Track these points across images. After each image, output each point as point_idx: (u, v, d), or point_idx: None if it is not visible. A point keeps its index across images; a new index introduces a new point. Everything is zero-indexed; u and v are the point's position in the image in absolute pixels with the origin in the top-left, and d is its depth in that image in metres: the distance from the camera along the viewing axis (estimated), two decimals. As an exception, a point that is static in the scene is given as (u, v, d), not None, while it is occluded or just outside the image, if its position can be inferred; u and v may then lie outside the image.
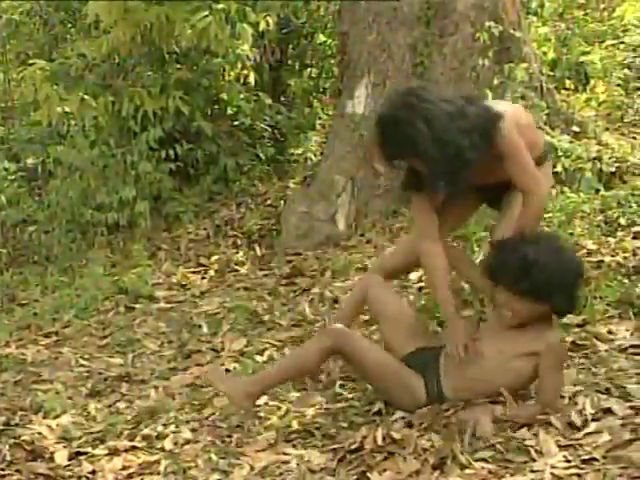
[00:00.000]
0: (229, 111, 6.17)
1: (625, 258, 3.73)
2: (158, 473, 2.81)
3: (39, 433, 3.15)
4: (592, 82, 5.85)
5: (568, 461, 2.39)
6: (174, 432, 3.07)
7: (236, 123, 6.20)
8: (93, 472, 2.88)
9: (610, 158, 4.68)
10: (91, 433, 3.17)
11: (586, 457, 2.39)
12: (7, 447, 3.01)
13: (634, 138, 5.20)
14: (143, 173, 5.53)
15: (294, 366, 3.01)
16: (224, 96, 6.07)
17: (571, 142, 4.67)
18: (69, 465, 2.94)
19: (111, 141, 5.66)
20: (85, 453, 3.00)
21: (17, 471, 2.87)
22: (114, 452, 2.98)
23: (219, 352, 3.88)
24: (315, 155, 6.22)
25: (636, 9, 6.59)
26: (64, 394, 3.59)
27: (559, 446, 2.47)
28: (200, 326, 4.22)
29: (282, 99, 6.73)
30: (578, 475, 2.32)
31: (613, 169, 4.62)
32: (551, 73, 5.94)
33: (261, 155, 6.18)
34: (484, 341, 2.82)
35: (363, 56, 5.23)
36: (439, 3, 5.09)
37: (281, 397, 3.20)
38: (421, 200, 2.99)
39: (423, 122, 2.70)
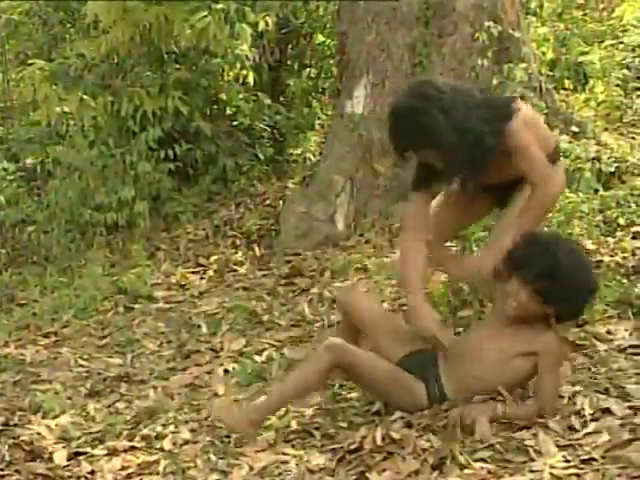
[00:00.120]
0: (228, 111, 6.17)
1: (624, 258, 3.73)
2: (157, 473, 2.81)
3: (38, 433, 3.15)
4: (591, 82, 5.85)
5: (567, 461, 2.39)
6: (173, 432, 3.07)
7: (235, 123, 6.20)
8: (92, 472, 2.88)
9: (609, 158, 4.68)
10: (90, 433, 3.17)
11: (585, 457, 2.39)
12: (6, 447, 3.01)
13: (633, 138, 5.20)
14: (142, 173, 5.53)
15: (296, 389, 2.93)
16: (223, 96, 6.07)
17: (570, 142, 4.66)
18: (68, 465, 2.93)
19: (110, 141, 5.65)
20: (84, 453, 3.00)
21: (16, 471, 2.87)
22: (113, 452, 2.98)
23: (218, 352, 3.88)
24: (314, 155, 6.22)
25: (635, 9, 6.58)
26: (63, 394, 3.59)
27: (558, 446, 2.47)
28: (199, 326, 4.22)
29: (281, 99, 6.73)
30: (577, 475, 2.32)
31: (612, 169, 4.62)
32: (550, 73, 5.95)
33: (260, 155, 6.18)
34: (483, 340, 2.82)
35: (362, 56, 5.23)
36: (438, 3, 5.09)
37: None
38: (420, 198, 2.99)
39: (440, 112, 2.68)
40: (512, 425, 2.64)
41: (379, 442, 2.65)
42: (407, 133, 2.77)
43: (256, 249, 5.14)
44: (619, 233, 4.03)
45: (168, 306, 4.58)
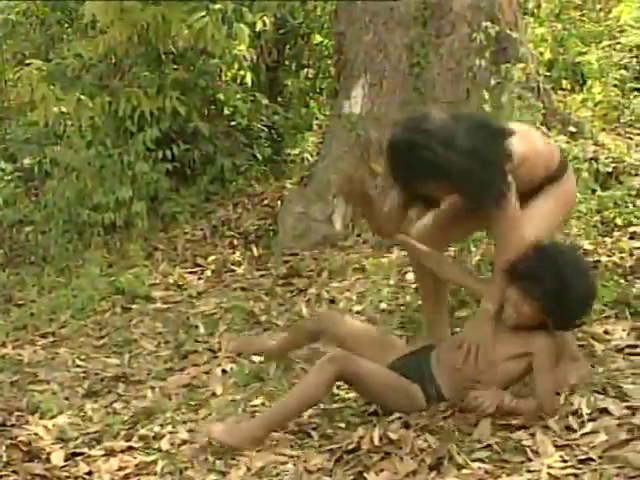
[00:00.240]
0: (226, 111, 6.17)
1: (622, 258, 3.74)
2: (155, 474, 2.81)
3: (35, 434, 3.14)
4: (589, 82, 5.86)
5: (565, 461, 2.39)
6: (171, 432, 3.07)
7: (233, 123, 6.20)
8: (89, 473, 2.87)
9: (607, 158, 4.68)
10: (88, 434, 3.17)
11: (583, 457, 2.39)
12: (3, 448, 3.00)
13: (630, 138, 5.20)
14: (140, 173, 5.52)
15: (300, 403, 2.88)
16: (221, 96, 6.06)
17: (567, 142, 4.66)
18: (65, 466, 2.93)
19: (108, 141, 5.64)
20: (82, 454, 3.00)
21: (13, 472, 2.86)
22: (111, 453, 2.98)
23: (216, 352, 3.88)
24: (312, 155, 6.22)
25: (632, 10, 6.58)
26: (61, 394, 3.58)
27: (556, 446, 2.47)
28: (197, 326, 4.22)
29: (279, 99, 6.73)
30: (575, 475, 2.32)
31: (609, 169, 4.62)
32: (548, 73, 5.94)
33: (258, 155, 6.18)
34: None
35: (360, 56, 5.23)
36: (436, 3, 5.09)
37: (278, 398, 3.20)
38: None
39: (440, 144, 2.65)
40: (510, 425, 2.64)
41: (377, 442, 2.65)
42: (409, 168, 2.74)
43: (254, 249, 5.14)
44: (616, 233, 4.04)
45: (166, 306, 4.57)
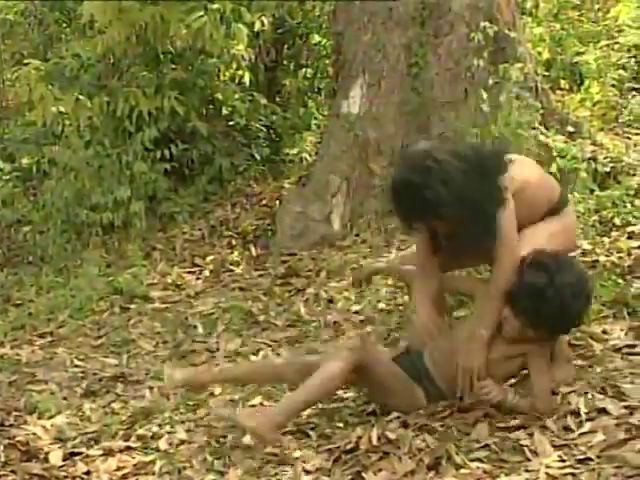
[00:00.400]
0: (224, 111, 6.17)
1: (620, 258, 3.73)
2: (153, 473, 2.81)
3: (34, 434, 3.14)
4: (587, 82, 5.86)
5: (563, 461, 2.39)
6: (169, 432, 3.07)
7: (231, 123, 6.20)
8: (88, 473, 2.87)
9: (605, 158, 4.69)
10: (86, 433, 3.17)
11: (581, 457, 2.39)
12: (2, 448, 3.00)
13: (628, 138, 5.21)
14: (138, 173, 5.52)
15: (319, 389, 2.85)
16: (219, 96, 6.06)
17: (566, 142, 4.67)
18: (64, 466, 2.93)
19: (106, 141, 5.65)
20: (80, 453, 3.00)
21: (12, 472, 2.86)
22: (109, 452, 2.98)
23: (214, 352, 3.88)
24: (310, 155, 6.22)
25: (630, 10, 6.59)
26: (59, 394, 3.58)
27: (554, 446, 2.48)
28: (195, 326, 4.22)
29: (277, 99, 6.73)
30: (573, 475, 2.32)
31: (608, 169, 4.62)
32: (546, 73, 5.95)
33: (256, 155, 6.18)
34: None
35: (358, 56, 5.23)
36: (434, 3, 5.09)
37: (276, 397, 3.20)
38: (422, 240, 2.99)
39: (441, 183, 2.67)
40: (508, 425, 2.64)
41: (375, 442, 2.65)
42: (412, 208, 2.78)
43: (252, 249, 5.14)
44: (615, 233, 4.04)
45: (164, 306, 4.57)
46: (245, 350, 3.81)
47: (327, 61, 6.71)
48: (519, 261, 2.78)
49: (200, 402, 3.33)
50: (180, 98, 5.64)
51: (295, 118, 6.59)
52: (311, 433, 2.88)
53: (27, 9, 6.99)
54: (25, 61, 5.94)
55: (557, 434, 2.54)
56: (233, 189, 5.95)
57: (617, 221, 4.12)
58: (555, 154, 4.54)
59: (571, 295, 2.69)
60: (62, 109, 5.59)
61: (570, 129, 4.99)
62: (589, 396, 2.68)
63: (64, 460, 2.96)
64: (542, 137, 4.62)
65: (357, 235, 4.92)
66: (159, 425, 3.14)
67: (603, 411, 2.60)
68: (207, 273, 4.96)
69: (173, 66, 5.89)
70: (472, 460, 2.48)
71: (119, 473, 2.84)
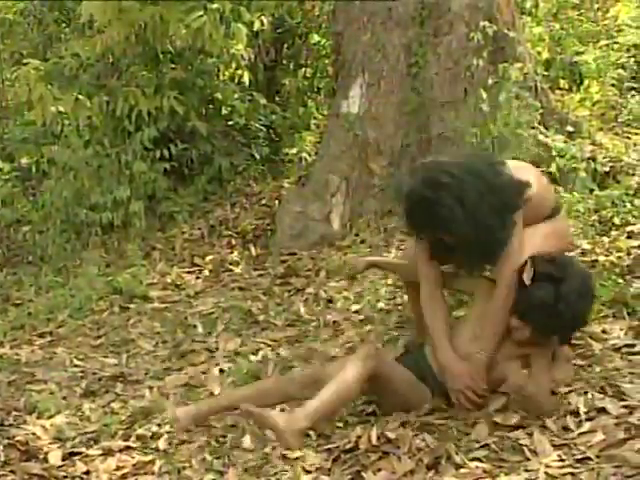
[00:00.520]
0: (224, 111, 6.17)
1: (619, 257, 3.73)
2: (152, 473, 2.81)
3: (33, 433, 3.14)
4: (586, 82, 5.86)
5: (562, 460, 2.39)
6: (168, 432, 3.07)
7: (231, 123, 6.20)
8: (87, 472, 2.87)
9: (604, 158, 4.69)
10: (85, 433, 3.17)
11: (580, 456, 2.39)
12: (1, 447, 3.00)
13: (628, 138, 5.21)
14: (137, 173, 5.52)
15: (339, 397, 2.81)
16: (219, 96, 6.06)
17: (565, 142, 4.67)
18: (63, 465, 2.93)
19: (105, 141, 5.65)
20: (79, 453, 3.00)
21: (11, 471, 2.86)
22: (108, 452, 2.98)
23: (213, 352, 3.88)
24: (310, 155, 6.22)
25: (630, 9, 6.59)
26: (58, 394, 3.58)
27: (553, 445, 2.48)
28: (195, 326, 4.22)
29: (277, 99, 6.73)
30: (572, 474, 2.32)
31: (607, 169, 4.63)
32: (545, 73, 5.95)
33: (256, 155, 6.18)
34: (477, 342, 2.84)
35: (357, 56, 5.23)
36: (433, 3, 5.09)
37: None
38: (423, 250, 2.97)
39: (455, 200, 2.66)
40: (507, 425, 2.64)
41: (374, 442, 2.65)
42: (424, 222, 2.78)
43: (252, 249, 5.14)
44: (614, 232, 4.04)
45: (163, 306, 4.57)
46: (244, 350, 3.81)
47: (327, 61, 6.72)
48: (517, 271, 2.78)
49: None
50: (179, 98, 5.64)
51: (295, 118, 6.59)
52: (311, 433, 2.88)
53: (26, 9, 6.98)
54: (24, 61, 5.95)
55: (557, 434, 2.54)
56: (232, 189, 5.95)
57: (616, 221, 4.12)
58: (554, 154, 4.55)
59: (579, 299, 2.73)
60: (61, 109, 5.59)
61: (569, 129, 4.99)
62: (589, 396, 2.68)
63: (63, 460, 2.96)
64: (541, 137, 4.63)
65: (356, 235, 4.92)
66: (158, 425, 3.14)
67: (602, 411, 2.60)
68: (207, 273, 4.96)
69: (172, 66, 5.89)
70: (471, 460, 2.48)
71: (118, 473, 2.84)
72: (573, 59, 6.15)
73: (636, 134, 5.28)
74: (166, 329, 4.25)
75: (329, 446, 2.74)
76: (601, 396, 2.68)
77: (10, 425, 3.25)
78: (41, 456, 2.99)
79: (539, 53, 6.20)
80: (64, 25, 6.86)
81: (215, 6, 5.46)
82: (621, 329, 3.19)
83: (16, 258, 5.74)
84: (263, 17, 5.69)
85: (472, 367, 2.82)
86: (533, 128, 4.61)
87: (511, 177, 2.83)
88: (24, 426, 3.22)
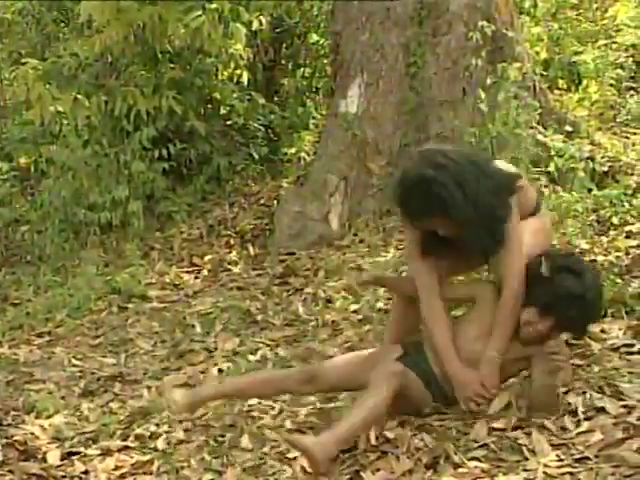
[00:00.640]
0: (222, 111, 6.17)
1: (618, 257, 3.73)
2: (151, 473, 2.81)
3: (32, 433, 3.14)
4: (585, 82, 5.86)
5: (561, 460, 2.39)
6: (167, 432, 3.07)
7: (229, 123, 6.20)
8: (86, 472, 2.88)
9: (603, 158, 4.69)
10: (84, 433, 3.17)
11: (579, 456, 2.39)
12: (0, 447, 3.00)
13: (627, 138, 5.21)
14: (136, 173, 5.52)
15: (366, 422, 2.72)
16: (217, 96, 6.07)
17: (564, 142, 4.67)
18: (61, 465, 2.93)
19: (104, 141, 5.65)
20: (78, 453, 3.00)
21: (10, 471, 2.86)
22: (107, 452, 2.98)
23: (212, 352, 3.88)
24: (308, 154, 6.21)
25: (629, 9, 6.59)
26: (57, 394, 3.58)
27: (552, 445, 2.48)
28: (193, 326, 4.22)
29: (275, 98, 6.73)
30: (571, 474, 2.32)
31: (606, 169, 4.63)
32: (544, 73, 5.94)
33: (254, 155, 6.18)
34: (476, 342, 2.83)
35: (356, 56, 5.24)
36: (432, 3, 5.09)
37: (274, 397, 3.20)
38: (428, 267, 2.92)
39: (454, 183, 2.65)
40: (506, 424, 2.64)
41: (373, 441, 2.66)
42: (421, 202, 2.71)
43: (250, 248, 5.13)
44: (612, 232, 4.04)
45: (162, 306, 4.57)
46: (243, 349, 3.81)
47: (325, 60, 6.72)
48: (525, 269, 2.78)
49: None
50: (178, 97, 5.64)
51: (293, 117, 6.59)
52: (309, 432, 2.88)
53: (25, 8, 6.98)
54: (23, 60, 5.95)
55: (555, 433, 2.54)
56: (231, 188, 5.95)
57: (615, 220, 4.12)
58: (553, 153, 4.55)
59: (600, 291, 2.79)
60: (60, 108, 5.59)
61: (568, 128, 5.00)
62: (587, 395, 2.68)
63: (62, 459, 2.97)
64: (540, 136, 4.63)
65: (355, 234, 4.92)
66: (157, 424, 3.14)
67: (601, 410, 2.60)
68: (205, 272, 4.96)
69: (171, 65, 5.89)
70: (470, 459, 2.48)
71: (117, 472, 2.84)
72: (571, 59, 6.15)
73: (635, 134, 5.28)
74: (165, 329, 4.25)
75: (328, 446, 2.74)
76: (600, 396, 2.68)
77: (9, 425, 3.25)
78: (40, 456, 2.99)
79: (537, 53, 6.20)
80: (63, 25, 6.87)
81: (214, 6, 5.46)
82: (620, 329, 3.20)
83: (14, 258, 5.74)
84: (262, 17, 5.70)
85: (486, 368, 2.78)
86: (532, 128, 4.61)
87: (500, 167, 2.86)
88: (22, 426, 3.22)
